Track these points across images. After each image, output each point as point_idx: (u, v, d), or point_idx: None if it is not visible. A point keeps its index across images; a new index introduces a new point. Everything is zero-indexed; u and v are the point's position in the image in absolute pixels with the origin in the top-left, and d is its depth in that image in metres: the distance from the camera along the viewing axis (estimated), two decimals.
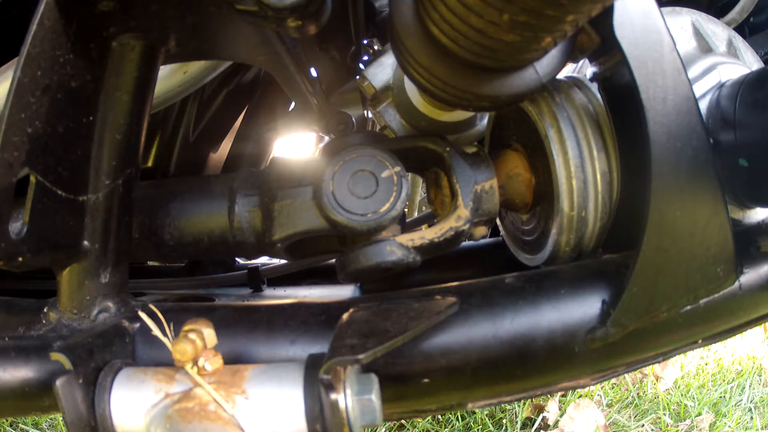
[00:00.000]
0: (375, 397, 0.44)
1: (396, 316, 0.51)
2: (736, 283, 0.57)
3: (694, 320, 0.56)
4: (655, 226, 0.53)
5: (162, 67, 0.63)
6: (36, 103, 0.46)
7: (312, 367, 0.46)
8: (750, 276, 0.58)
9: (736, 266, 0.57)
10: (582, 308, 0.55)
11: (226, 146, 1.25)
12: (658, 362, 0.61)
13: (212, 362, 0.47)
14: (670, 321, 0.55)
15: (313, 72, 0.91)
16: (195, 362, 0.46)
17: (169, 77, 0.79)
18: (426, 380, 0.54)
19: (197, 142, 1.12)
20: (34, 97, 0.46)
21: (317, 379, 0.43)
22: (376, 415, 0.44)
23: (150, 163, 1.06)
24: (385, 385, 0.51)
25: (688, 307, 0.56)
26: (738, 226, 0.68)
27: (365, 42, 0.89)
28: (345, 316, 0.53)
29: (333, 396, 0.43)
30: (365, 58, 0.91)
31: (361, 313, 0.53)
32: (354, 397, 0.44)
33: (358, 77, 0.83)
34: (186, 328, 0.48)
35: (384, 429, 1.66)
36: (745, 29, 1.02)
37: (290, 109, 1.34)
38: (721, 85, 0.67)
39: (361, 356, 0.42)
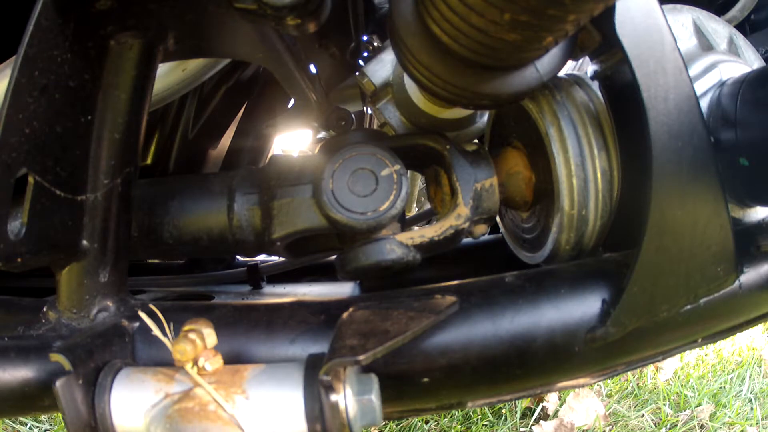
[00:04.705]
0: (375, 398, 0.44)
1: (396, 316, 0.51)
2: (737, 283, 0.57)
3: (694, 319, 0.56)
4: (656, 225, 0.53)
5: (160, 65, 0.62)
6: (34, 103, 0.46)
7: (312, 367, 0.46)
8: (750, 275, 0.58)
9: (736, 265, 0.57)
10: (582, 307, 0.55)
11: (225, 143, 1.24)
12: (659, 361, 0.61)
13: (212, 362, 0.47)
14: (670, 320, 0.55)
15: (313, 69, 0.91)
16: (195, 362, 0.46)
17: (167, 75, 0.78)
18: (426, 379, 0.54)
19: (196, 139, 1.12)
20: (32, 98, 0.45)
21: (317, 379, 0.43)
22: (376, 415, 0.44)
23: (149, 161, 1.05)
24: (385, 385, 0.51)
25: (689, 307, 0.56)
26: (738, 225, 0.68)
27: (365, 38, 0.88)
28: (345, 315, 0.53)
29: (333, 397, 0.43)
30: (365, 54, 0.90)
31: (360, 312, 0.53)
32: (354, 398, 0.44)
33: (357, 74, 0.83)
34: (186, 328, 0.48)
35: None
36: (746, 27, 1.02)
37: (289, 106, 1.33)
38: (722, 84, 0.67)
39: (361, 357, 0.42)
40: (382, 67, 0.81)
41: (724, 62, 0.70)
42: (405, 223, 1.07)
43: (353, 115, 1.01)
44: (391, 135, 0.76)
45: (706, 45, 0.73)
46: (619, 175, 0.62)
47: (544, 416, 1.76)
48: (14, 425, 1.58)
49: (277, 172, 0.65)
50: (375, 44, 0.86)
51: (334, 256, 0.82)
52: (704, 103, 0.67)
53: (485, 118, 0.85)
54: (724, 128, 0.63)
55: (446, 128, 0.82)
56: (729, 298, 0.57)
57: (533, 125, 0.65)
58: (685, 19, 0.74)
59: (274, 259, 1.13)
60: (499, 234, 0.90)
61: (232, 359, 0.54)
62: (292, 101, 1.33)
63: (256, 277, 1.09)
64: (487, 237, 1.05)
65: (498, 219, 0.87)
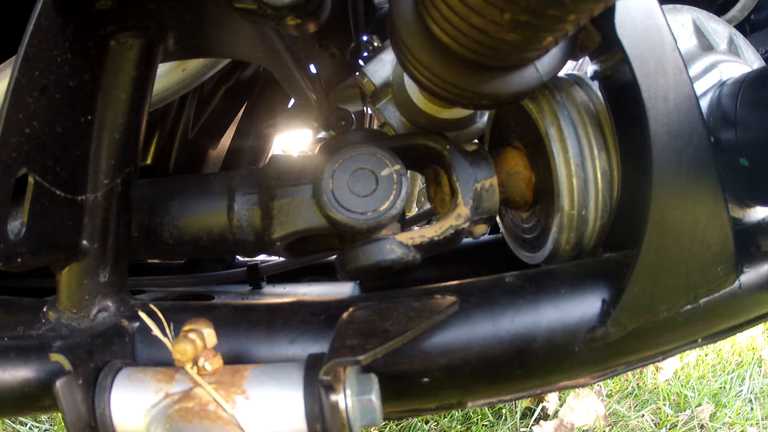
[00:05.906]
0: (375, 398, 0.44)
1: (396, 316, 0.51)
2: (736, 283, 0.57)
3: (694, 319, 0.56)
4: (656, 225, 0.53)
5: (160, 65, 0.62)
6: (34, 103, 0.46)
7: (312, 367, 0.46)
8: (750, 275, 0.58)
9: (736, 265, 0.57)
10: (582, 307, 0.55)
11: (225, 143, 1.24)
12: (659, 361, 0.61)
13: (212, 362, 0.47)
14: (670, 320, 0.55)
15: (313, 69, 0.91)
16: (195, 362, 0.46)
17: (167, 75, 0.78)
18: (426, 379, 0.54)
19: (196, 139, 1.12)
20: (32, 97, 0.45)
21: (317, 379, 0.43)
22: (376, 415, 0.44)
23: (149, 161, 1.05)
24: (385, 385, 0.51)
25: (688, 307, 0.56)
26: (738, 225, 0.68)
27: (365, 38, 0.88)
28: (345, 315, 0.53)
29: (333, 397, 0.43)
30: (365, 54, 0.90)
31: (360, 312, 0.53)
32: (354, 398, 0.43)
33: (357, 74, 0.83)
34: (186, 327, 0.48)
35: None
36: (745, 27, 1.02)
37: (289, 106, 1.33)
38: (722, 84, 0.67)
39: (361, 357, 0.42)
40: (382, 67, 0.81)
41: (724, 62, 0.70)
42: (405, 223, 1.07)
43: (353, 115, 1.01)
44: (391, 135, 0.76)
45: (706, 45, 0.73)
46: (619, 175, 0.62)
47: (544, 416, 1.76)
48: (14, 425, 1.58)
49: (277, 172, 0.65)
50: (375, 44, 0.86)
51: (334, 256, 0.82)
52: (704, 103, 0.67)
53: (485, 118, 0.85)
54: (724, 128, 0.63)
55: (446, 128, 0.82)
56: (729, 298, 0.57)
57: (533, 125, 0.65)
58: (685, 19, 0.74)
59: (274, 259, 1.13)
60: (499, 234, 0.90)
61: (232, 359, 0.54)
62: (292, 101, 1.33)
63: (256, 277, 1.09)
64: (487, 237, 1.05)
65: (498, 219, 0.87)
